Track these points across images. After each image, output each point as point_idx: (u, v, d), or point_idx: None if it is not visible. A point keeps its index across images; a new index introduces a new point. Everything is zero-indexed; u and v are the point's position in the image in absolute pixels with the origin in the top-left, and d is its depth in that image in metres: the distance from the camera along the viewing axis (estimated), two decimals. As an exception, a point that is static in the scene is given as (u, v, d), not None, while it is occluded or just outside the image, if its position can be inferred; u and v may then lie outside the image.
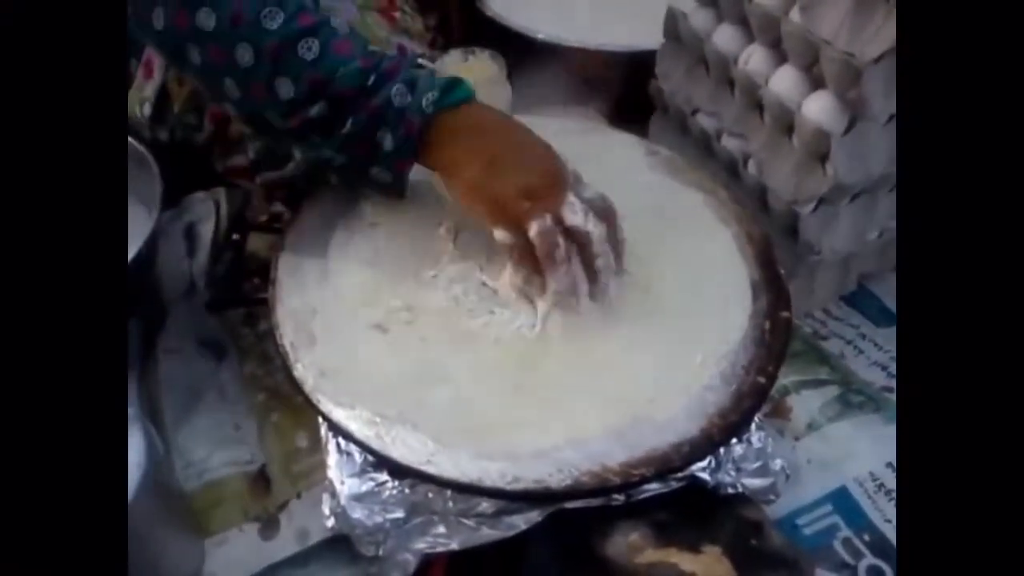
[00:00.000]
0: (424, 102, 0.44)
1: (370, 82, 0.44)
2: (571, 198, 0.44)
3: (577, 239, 0.44)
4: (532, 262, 0.45)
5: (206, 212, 0.67)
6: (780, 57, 0.55)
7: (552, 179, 0.45)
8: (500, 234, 0.45)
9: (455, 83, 0.46)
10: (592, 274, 0.45)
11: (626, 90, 0.71)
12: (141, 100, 0.66)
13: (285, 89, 0.44)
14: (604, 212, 0.45)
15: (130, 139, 0.58)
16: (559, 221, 0.43)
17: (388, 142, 0.45)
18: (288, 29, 0.43)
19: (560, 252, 0.43)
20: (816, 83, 0.52)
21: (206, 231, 0.65)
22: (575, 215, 0.43)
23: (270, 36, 0.43)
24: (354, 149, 0.46)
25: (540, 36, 0.75)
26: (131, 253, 0.49)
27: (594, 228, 0.44)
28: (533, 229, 0.43)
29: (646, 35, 0.69)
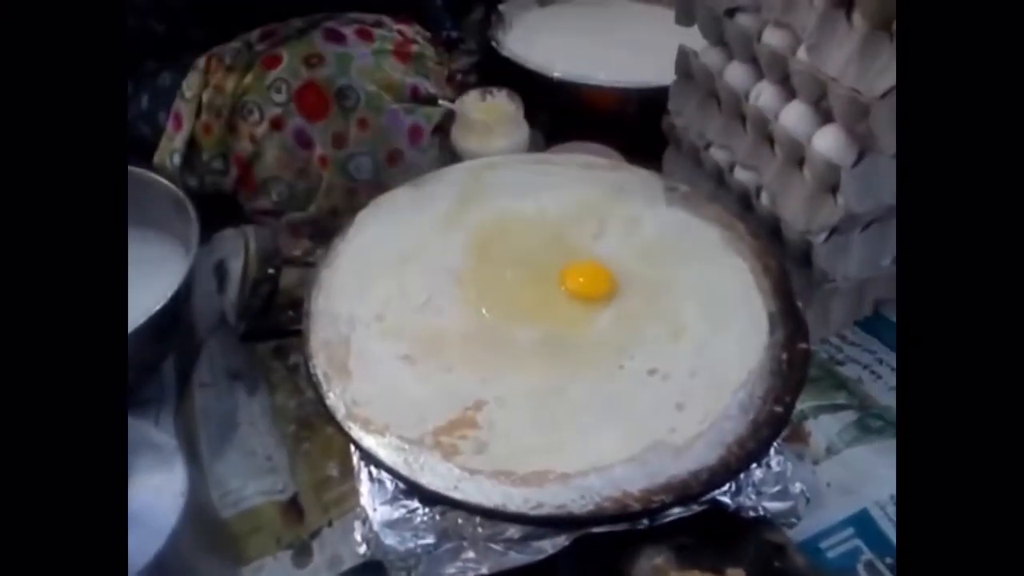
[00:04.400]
0: None
1: None
2: None
3: None
4: None
5: (235, 249, 0.69)
6: (789, 93, 0.57)
7: None
8: None
9: None
10: None
11: (640, 126, 0.73)
12: (171, 151, 0.69)
13: None
14: None
15: (167, 183, 0.61)
16: None
17: None
18: None
19: None
20: (825, 117, 0.54)
21: (235, 267, 0.68)
22: None
23: None
24: None
25: (556, 75, 0.78)
26: (170, 292, 0.52)
27: None
28: None
29: (658, 73, 0.72)
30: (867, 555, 0.48)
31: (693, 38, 0.65)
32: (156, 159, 0.70)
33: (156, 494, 0.40)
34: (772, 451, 0.43)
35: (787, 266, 0.53)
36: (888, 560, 0.47)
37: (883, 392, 0.57)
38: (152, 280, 0.57)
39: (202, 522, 0.43)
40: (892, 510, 0.49)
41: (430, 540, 0.41)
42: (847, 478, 0.51)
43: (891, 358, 0.60)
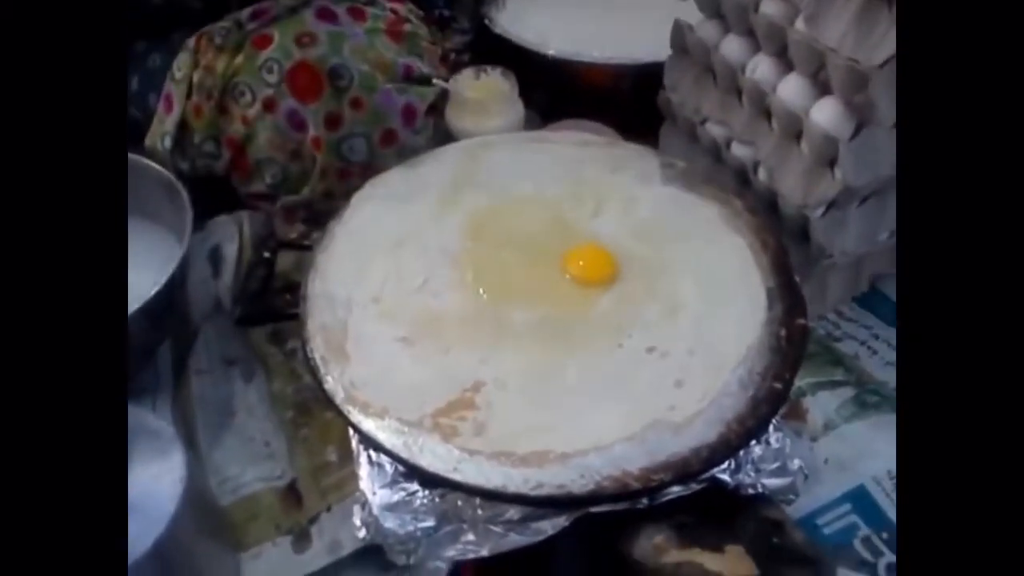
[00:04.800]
0: None
1: None
2: None
3: None
4: None
5: (230, 235, 0.69)
6: (786, 65, 0.56)
7: None
8: None
9: None
10: None
11: (635, 102, 0.73)
12: (162, 134, 0.68)
13: None
14: None
15: (160, 168, 0.60)
16: None
17: None
18: None
19: None
20: (823, 90, 0.53)
21: (230, 252, 0.68)
22: None
23: None
24: None
25: (550, 52, 0.77)
26: (163, 279, 0.51)
27: None
28: None
29: (653, 48, 0.71)
30: (864, 531, 0.48)
31: (688, 12, 0.64)
32: (147, 142, 0.69)
33: (155, 481, 0.40)
34: (771, 428, 0.43)
35: (785, 242, 0.52)
36: (884, 535, 0.47)
37: (879, 367, 0.57)
38: (146, 266, 0.57)
39: (201, 509, 0.43)
40: (889, 486, 0.50)
41: (430, 523, 0.41)
42: (844, 454, 0.51)
43: (887, 333, 0.60)
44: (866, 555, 0.47)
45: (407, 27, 0.71)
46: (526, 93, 0.70)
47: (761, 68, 0.58)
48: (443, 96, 0.69)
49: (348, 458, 0.46)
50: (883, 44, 0.48)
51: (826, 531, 0.48)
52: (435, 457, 0.41)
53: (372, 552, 0.44)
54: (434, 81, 0.69)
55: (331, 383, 0.44)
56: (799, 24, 0.53)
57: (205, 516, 0.44)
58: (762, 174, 0.58)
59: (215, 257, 0.67)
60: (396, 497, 0.41)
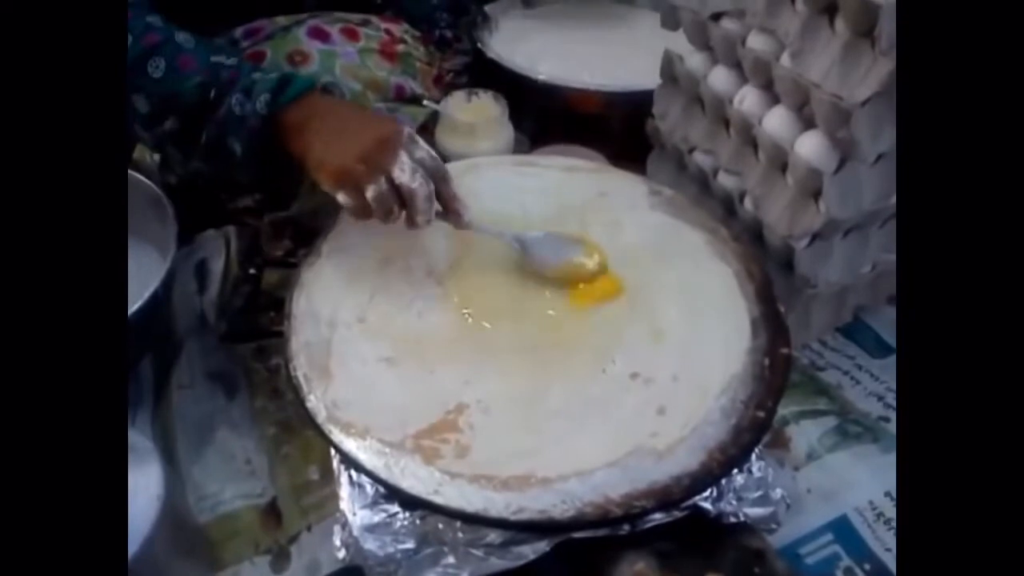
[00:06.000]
0: (259, 105, 0.49)
1: (212, 95, 0.49)
2: (403, 158, 0.47)
3: (403, 195, 0.47)
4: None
5: (216, 249, 0.69)
6: (773, 98, 0.57)
7: (384, 142, 0.48)
8: (342, 198, 0.48)
9: (288, 80, 0.50)
10: (412, 226, 0.49)
11: (625, 129, 0.73)
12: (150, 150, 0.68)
13: (142, 105, 0.49)
14: (434, 170, 0.49)
15: (147, 182, 0.60)
16: (392, 181, 0.47)
17: (237, 149, 0.50)
18: (136, 49, 0.48)
19: (393, 214, 0.48)
20: (807, 123, 0.54)
21: (216, 267, 0.67)
22: (403, 173, 0.47)
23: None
24: (212, 158, 0.51)
25: (541, 77, 0.78)
26: (147, 293, 0.51)
27: (419, 186, 0.47)
28: (370, 192, 0.47)
29: (643, 76, 0.72)
30: (845, 561, 0.48)
31: (678, 41, 0.65)
32: (136, 155, 0.69)
33: (131, 497, 0.39)
34: (753, 457, 0.43)
35: (770, 271, 0.53)
36: (867, 566, 0.48)
37: (862, 398, 0.58)
38: (130, 280, 0.56)
39: (178, 527, 0.43)
40: (870, 515, 0.50)
41: (410, 545, 0.41)
42: (827, 484, 0.52)
43: (870, 363, 0.60)
44: (847, 586, 0.47)
45: (401, 47, 0.72)
46: (516, 117, 0.70)
47: (748, 100, 0.59)
48: (434, 117, 0.70)
49: (330, 477, 0.45)
50: (866, 81, 0.49)
51: (808, 561, 0.48)
52: (416, 479, 0.40)
53: (352, 573, 0.43)
54: (424, 102, 0.69)
55: (313, 402, 0.44)
56: (785, 59, 0.54)
57: (182, 534, 0.44)
58: (748, 204, 0.59)
59: (201, 272, 0.67)
60: (377, 518, 0.41)
